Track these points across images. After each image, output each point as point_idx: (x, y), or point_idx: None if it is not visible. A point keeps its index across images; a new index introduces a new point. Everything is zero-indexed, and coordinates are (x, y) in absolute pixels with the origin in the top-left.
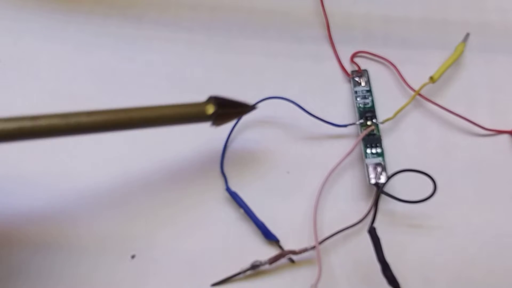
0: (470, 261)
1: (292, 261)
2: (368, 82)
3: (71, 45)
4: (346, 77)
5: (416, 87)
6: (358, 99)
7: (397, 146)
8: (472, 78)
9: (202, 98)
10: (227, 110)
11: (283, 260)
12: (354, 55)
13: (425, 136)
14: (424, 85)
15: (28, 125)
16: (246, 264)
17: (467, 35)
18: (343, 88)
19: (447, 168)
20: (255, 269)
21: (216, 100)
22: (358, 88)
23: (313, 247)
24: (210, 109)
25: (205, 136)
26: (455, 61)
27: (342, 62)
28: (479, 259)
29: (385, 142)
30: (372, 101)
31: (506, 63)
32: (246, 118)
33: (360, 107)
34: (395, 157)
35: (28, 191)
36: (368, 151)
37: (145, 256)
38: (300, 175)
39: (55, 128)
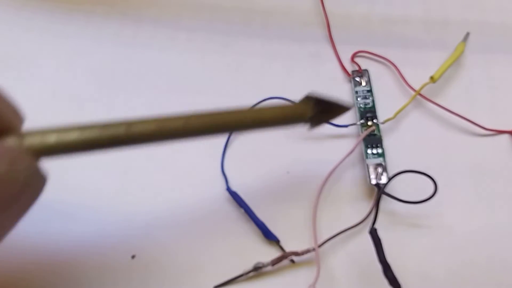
0: (470, 261)
1: (293, 261)
2: (368, 82)
3: (71, 45)
4: (346, 77)
5: (417, 87)
6: (358, 99)
7: (398, 146)
8: (472, 78)
9: (202, 98)
10: (324, 111)
11: (284, 261)
12: (355, 55)
13: (425, 136)
14: (425, 85)
15: (122, 132)
16: (247, 264)
17: (467, 34)
18: (344, 88)
19: (447, 168)
20: (257, 270)
21: (314, 100)
22: (358, 88)
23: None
24: (309, 112)
25: None
26: (455, 61)
27: (342, 62)
28: (479, 259)
29: (386, 142)
30: (373, 101)
31: (506, 63)
32: None
33: (360, 107)
34: (395, 157)
35: None
36: (369, 151)
37: (145, 256)
38: (300, 175)
39: (149, 135)
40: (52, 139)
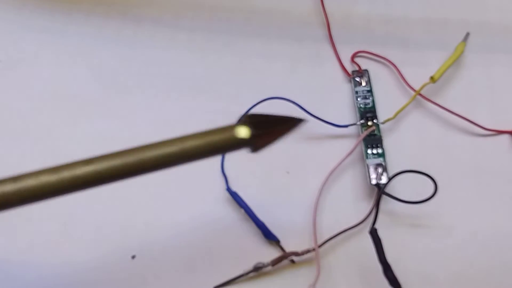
0: (470, 261)
1: (293, 261)
2: (368, 82)
3: (71, 45)
4: (346, 77)
5: (417, 87)
6: (358, 99)
7: (398, 146)
8: (472, 78)
9: (202, 98)
10: (266, 129)
11: (284, 261)
12: (355, 55)
13: (425, 136)
14: (425, 85)
15: (10, 189)
16: (247, 264)
17: (467, 34)
18: (344, 88)
19: (447, 168)
20: (257, 271)
21: (251, 120)
22: (358, 88)
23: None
24: (243, 132)
25: None
26: (455, 61)
27: (342, 62)
28: (479, 259)
29: (386, 142)
30: (373, 101)
31: (506, 63)
32: None
33: (360, 107)
34: (395, 157)
35: None
36: (369, 151)
37: (145, 256)
38: (300, 175)
39: (44, 187)
40: None
